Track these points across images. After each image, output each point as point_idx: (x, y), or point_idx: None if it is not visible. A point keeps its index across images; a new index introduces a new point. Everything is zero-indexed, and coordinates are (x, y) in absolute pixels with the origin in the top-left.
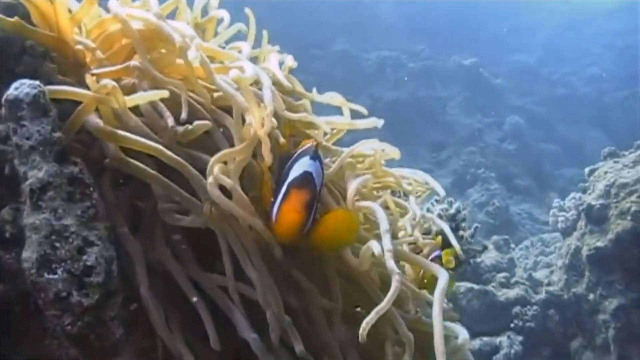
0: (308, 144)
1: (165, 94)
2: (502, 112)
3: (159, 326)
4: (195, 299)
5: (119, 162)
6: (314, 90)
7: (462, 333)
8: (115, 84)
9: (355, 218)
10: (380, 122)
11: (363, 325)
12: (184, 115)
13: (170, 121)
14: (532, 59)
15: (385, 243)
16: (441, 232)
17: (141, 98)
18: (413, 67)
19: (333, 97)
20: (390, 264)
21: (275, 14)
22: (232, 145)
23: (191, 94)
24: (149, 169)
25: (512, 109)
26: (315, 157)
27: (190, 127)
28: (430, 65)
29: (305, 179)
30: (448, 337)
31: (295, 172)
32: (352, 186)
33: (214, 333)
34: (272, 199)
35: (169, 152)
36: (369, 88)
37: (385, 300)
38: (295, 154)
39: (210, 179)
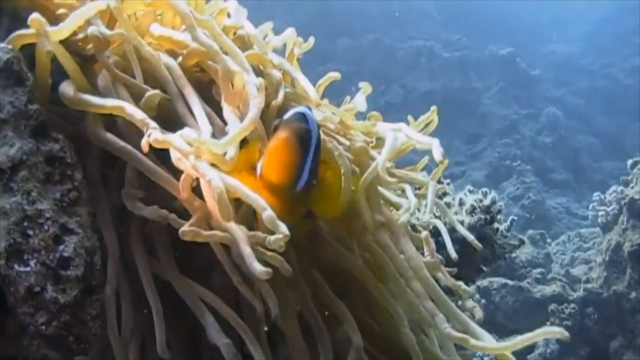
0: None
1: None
2: (539, 104)
3: (112, 335)
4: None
5: (93, 135)
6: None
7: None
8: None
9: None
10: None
11: None
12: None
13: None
14: (571, 50)
15: None
16: None
17: (73, 20)
18: (448, 57)
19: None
20: None
21: (307, 3)
22: None
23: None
24: (121, 142)
25: (550, 100)
26: (307, 107)
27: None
28: (466, 56)
29: (296, 117)
30: None
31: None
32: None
33: (162, 338)
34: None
35: (130, 108)
36: (402, 78)
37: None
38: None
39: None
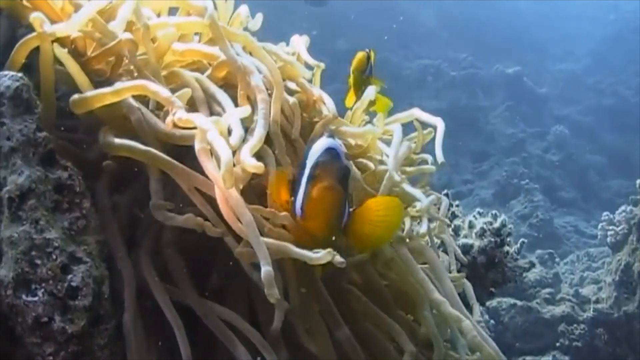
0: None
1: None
2: (546, 122)
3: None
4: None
5: (107, 146)
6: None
7: None
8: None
9: (399, 202)
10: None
11: None
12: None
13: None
14: (578, 68)
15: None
16: None
17: (79, 19)
18: (455, 75)
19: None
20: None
21: (312, 22)
22: None
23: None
24: (141, 145)
25: (557, 118)
26: (330, 135)
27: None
28: (473, 74)
29: (331, 154)
30: None
31: (314, 154)
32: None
33: (187, 351)
34: (292, 197)
35: (154, 85)
36: (409, 97)
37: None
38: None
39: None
